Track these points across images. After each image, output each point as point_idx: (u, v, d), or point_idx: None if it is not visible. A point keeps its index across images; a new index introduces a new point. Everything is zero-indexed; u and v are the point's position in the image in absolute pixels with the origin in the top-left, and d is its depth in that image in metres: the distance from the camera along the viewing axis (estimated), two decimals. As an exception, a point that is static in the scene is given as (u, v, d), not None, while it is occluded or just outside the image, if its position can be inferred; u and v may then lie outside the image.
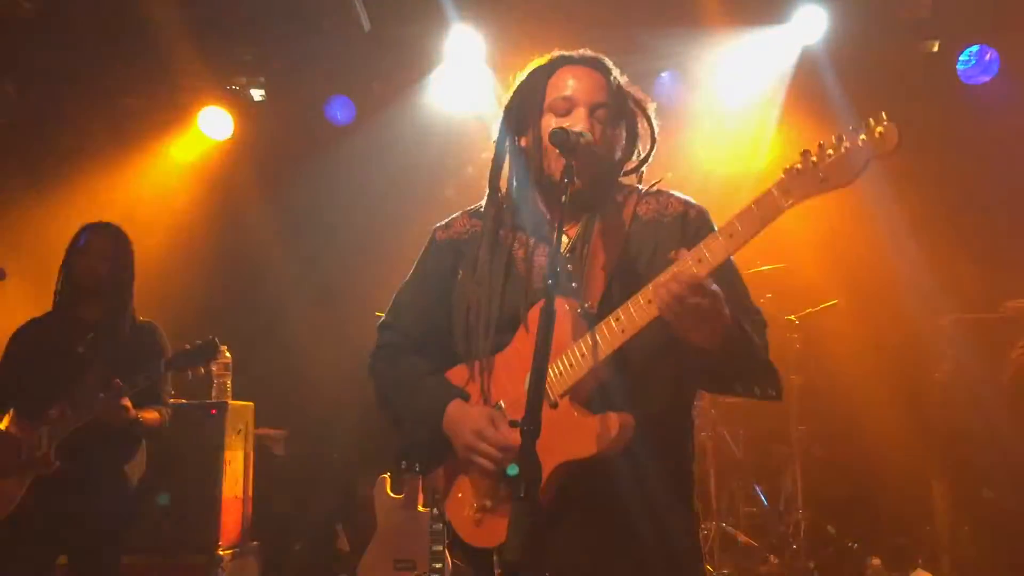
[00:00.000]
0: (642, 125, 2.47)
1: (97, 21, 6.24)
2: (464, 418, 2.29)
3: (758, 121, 6.63)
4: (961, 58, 6.35)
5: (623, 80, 2.46)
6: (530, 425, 1.87)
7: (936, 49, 6.53)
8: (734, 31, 6.32)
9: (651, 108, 2.49)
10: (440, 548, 4.71)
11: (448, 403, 2.34)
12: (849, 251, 6.29)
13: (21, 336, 4.38)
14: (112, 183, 6.93)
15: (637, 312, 2.10)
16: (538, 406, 1.90)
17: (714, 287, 2.01)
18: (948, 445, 5.72)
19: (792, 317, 6.14)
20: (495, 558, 2.22)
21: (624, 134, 2.45)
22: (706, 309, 2.00)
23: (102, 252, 4.28)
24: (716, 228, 2.33)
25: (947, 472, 5.74)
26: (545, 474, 2.08)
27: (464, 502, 2.32)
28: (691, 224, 2.37)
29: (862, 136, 1.90)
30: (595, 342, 2.14)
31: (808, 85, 6.40)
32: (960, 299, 6.02)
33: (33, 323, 4.40)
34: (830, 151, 1.92)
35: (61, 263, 4.34)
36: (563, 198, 2.16)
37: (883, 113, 1.89)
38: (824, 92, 6.29)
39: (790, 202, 1.96)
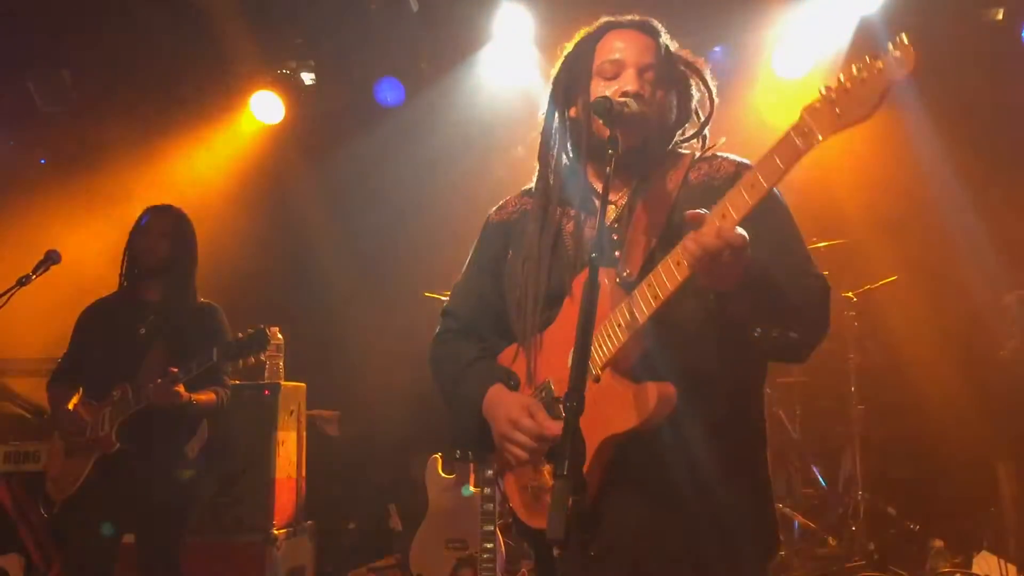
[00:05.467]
0: (697, 88, 2.41)
1: (150, 9, 6.29)
2: (501, 406, 2.26)
3: (813, 96, 6.47)
4: (1027, 26, 6.13)
5: (673, 45, 2.41)
6: (573, 402, 1.81)
7: (1000, 17, 6.31)
8: (787, 2, 6.17)
9: (706, 70, 2.42)
10: (491, 528, 4.71)
11: (487, 389, 2.31)
12: (909, 226, 6.12)
13: (87, 317, 4.47)
14: (166, 168, 7.03)
15: (668, 276, 2.02)
16: (582, 383, 1.84)
17: (739, 231, 1.92)
18: (1014, 425, 5.56)
19: (850, 294, 6.02)
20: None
21: (675, 99, 2.39)
22: (729, 257, 1.92)
23: (162, 232, 4.35)
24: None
25: (1013, 453, 5.58)
26: (591, 451, 2.05)
27: (519, 484, 2.30)
28: None
29: (878, 63, 1.77)
30: (631, 311, 2.07)
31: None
32: (1024, 274, 5.85)
33: (98, 304, 4.48)
34: (847, 84, 1.81)
35: (124, 245, 4.41)
36: (607, 169, 2.11)
37: (902, 35, 1.77)
38: (883, 64, 6.11)
39: (811, 144, 1.85)
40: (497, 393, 2.30)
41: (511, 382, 2.33)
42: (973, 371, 5.88)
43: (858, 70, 1.80)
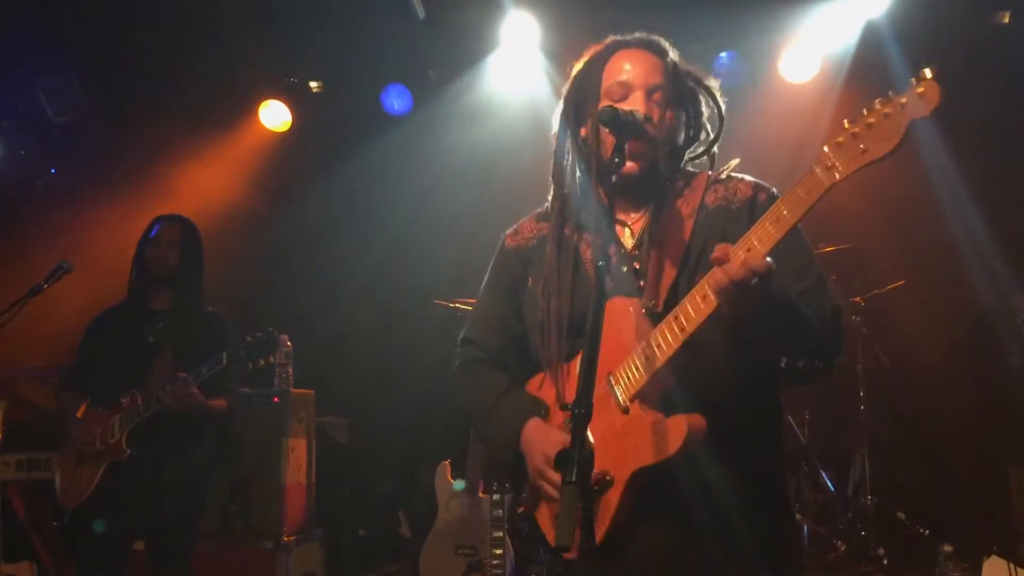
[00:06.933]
0: (706, 104, 2.41)
1: (159, 18, 6.33)
2: (537, 442, 2.25)
3: (819, 99, 6.46)
4: (1035, 29, 6.11)
5: (680, 60, 2.40)
6: (580, 409, 1.82)
7: (1007, 20, 6.29)
8: (794, 6, 6.17)
9: (715, 86, 2.42)
10: (500, 534, 4.71)
11: (524, 423, 2.30)
12: (916, 230, 6.10)
13: (96, 326, 4.52)
14: (176, 177, 7.05)
15: (694, 310, 2.03)
16: (590, 389, 1.86)
17: (767, 259, 1.94)
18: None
19: (858, 299, 6.01)
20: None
21: (684, 116, 2.39)
22: (758, 284, 1.93)
23: (172, 242, 4.41)
24: None
25: (1023, 456, 5.56)
26: (623, 481, 2.07)
27: (552, 516, 2.28)
28: (759, 209, 2.28)
29: (902, 99, 1.77)
30: (657, 344, 2.08)
31: (871, 60, 6.20)
32: (1035, 279, 5.82)
33: (107, 313, 4.54)
34: (870, 120, 1.81)
35: (134, 254, 4.47)
36: (613, 178, 2.12)
37: (926, 69, 1.76)
38: (888, 68, 6.10)
39: (835, 179, 1.85)
40: (534, 428, 2.29)
41: (541, 412, 2.33)
42: (982, 375, 5.87)
43: (881, 105, 1.80)
